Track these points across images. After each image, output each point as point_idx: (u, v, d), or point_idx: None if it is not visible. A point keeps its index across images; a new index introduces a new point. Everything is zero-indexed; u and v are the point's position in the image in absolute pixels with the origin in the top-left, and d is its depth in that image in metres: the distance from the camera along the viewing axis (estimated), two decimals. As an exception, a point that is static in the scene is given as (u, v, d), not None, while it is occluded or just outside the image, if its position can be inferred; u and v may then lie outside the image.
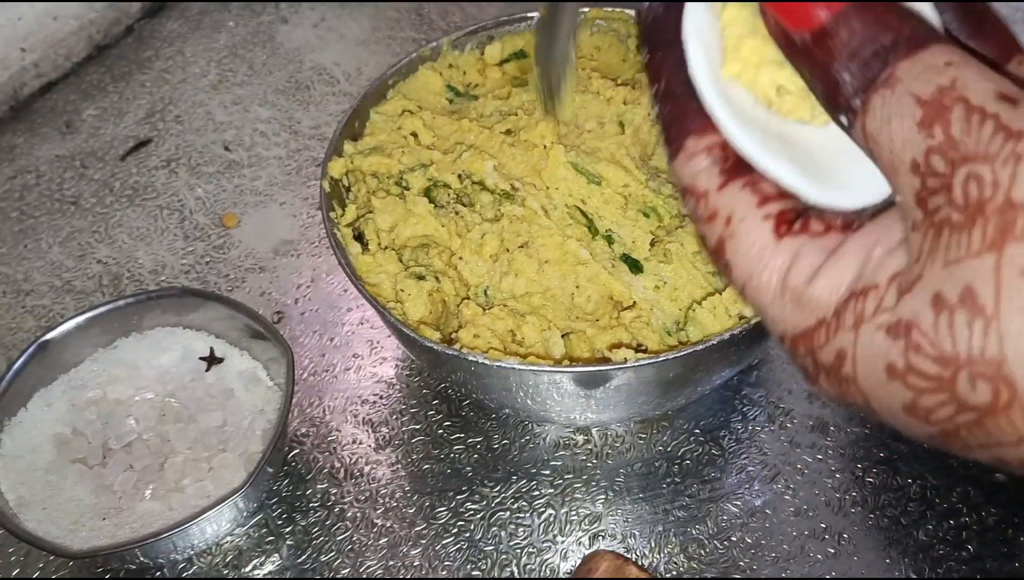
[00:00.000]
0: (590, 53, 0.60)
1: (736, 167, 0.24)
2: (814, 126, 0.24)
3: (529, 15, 0.59)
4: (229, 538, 0.50)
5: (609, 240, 0.51)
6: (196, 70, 0.77)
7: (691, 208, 0.24)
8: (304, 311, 0.60)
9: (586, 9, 0.59)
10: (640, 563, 0.48)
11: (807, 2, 0.22)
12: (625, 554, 0.48)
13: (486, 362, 0.43)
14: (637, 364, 0.42)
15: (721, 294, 0.46)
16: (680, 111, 0.24)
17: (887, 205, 0.23)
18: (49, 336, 0.51)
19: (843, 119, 0.22)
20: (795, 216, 0.23)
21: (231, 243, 0.64)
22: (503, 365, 0.43)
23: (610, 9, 0.59)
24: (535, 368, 0.43)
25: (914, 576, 0.46)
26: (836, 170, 0.24)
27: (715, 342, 0.43)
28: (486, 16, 0.78)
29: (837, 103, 0.22)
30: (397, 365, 0.57)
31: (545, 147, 0.52)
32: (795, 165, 0.23)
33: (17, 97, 0.74)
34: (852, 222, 0.23)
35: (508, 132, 0.54)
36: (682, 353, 0.42)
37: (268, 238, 0.64)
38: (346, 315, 0.60)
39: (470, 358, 0.43)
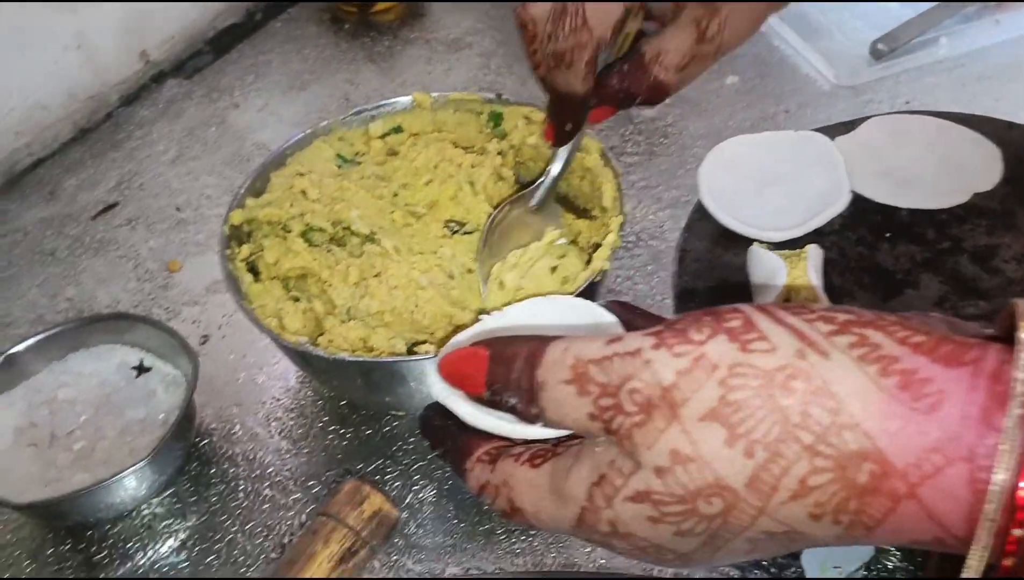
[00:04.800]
0: (453, 128, 0.75)
1: (496, 456, 0.35)
2: None
3: (403, 98, 0.75)
4: (146, 506, 0.64)
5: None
6: (160, 148, 0.94)
7: (487, 500, 0.35)
8: (225, 335, 0.75)
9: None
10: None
11: (471, 375, 0.34)
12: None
13: (313, 352, 0.57)
14: (423, 358, 0.56)
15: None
16: (453, 455, 0.37)
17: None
18: (13, 350, 0.66)
19: (539, 424, 0.33)
20: (543, 451, 0.34)
21: (173, 284, 0.80)
22: (321, 354, 0.57)
23: (469, 95, 0.75)
24: (348, 358, 0.57)
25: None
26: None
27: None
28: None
29: (528, 419, 0.33)
30: (294, 377, 0.71)
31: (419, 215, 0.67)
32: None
33: (11, 172, 0.91)
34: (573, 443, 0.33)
35: (395, 194, 0.69)
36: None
37: (203, 279, 0.79)
38: (257, 338, 0.74)
39: (300, 349, 0.57)
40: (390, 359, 0.57)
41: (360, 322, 0.63)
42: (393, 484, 0.64)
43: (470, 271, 0.66)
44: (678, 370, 0.29)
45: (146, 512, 0.64)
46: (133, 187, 0.89)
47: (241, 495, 0.64)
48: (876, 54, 0.92)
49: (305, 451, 0.66)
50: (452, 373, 0.36)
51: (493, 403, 0.34)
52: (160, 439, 0.61)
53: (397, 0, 1.07)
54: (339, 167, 0.73)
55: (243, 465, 0.66)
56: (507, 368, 0.33)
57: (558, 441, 0.34)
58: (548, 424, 0.33)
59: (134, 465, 0.59)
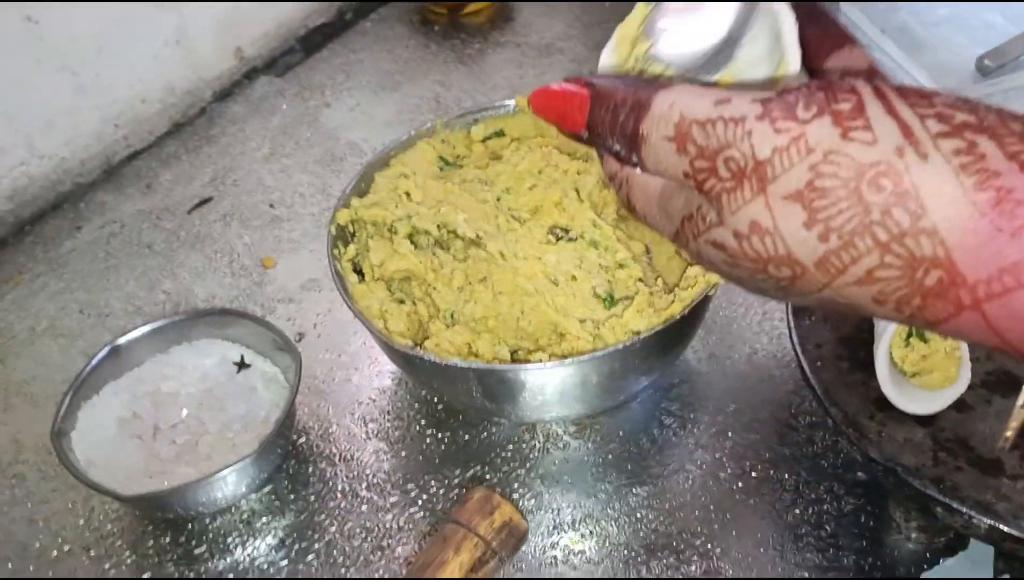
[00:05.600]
0: (556, 133, 0.74)
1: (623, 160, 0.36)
2: None
3: (506, 102, 0.74)
4: (245, 501, 0.64)
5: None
6: (253, 144, 0.94)
7: (615, 186, 0.37)
8: (320, 334, 0.75)
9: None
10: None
11: (570, 112, 0.34)
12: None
13: (424, 356, 0.57)
14: (537, 367, 0.55)
15: (620, 317, 0.60)
16: (602, 154, 0.37)
17: None
18: (119, 341, 0.67)
19: (636, 168, 0.34)
20: None
21: (268, 280, 0.80)
22: (432, 359, 0.57)
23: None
24: (461, 364, 0.56)
25: (777, 548, 0.58)
26: None
27: (609, 350, 0.56)
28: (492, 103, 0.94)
29: (626, 161, 0.34)
30: (390, 377, 0.71)
31: (523, 220, 0.66)
32: None
33: (109, 163, 0.92)
34: None
35: (498, 199, 0.68)
36: (577, 359, 0.55)
37: (297, 277, 0.80)
38: (353, 337, 0.74)
39: (410, 353, 0.57)
40: (506, 366, 0.57)
41: (465, 327, 0.63)
42: (492, 491, 0.63)
43: (574, 278, 0.65)
44: (775, 146, 0.29)
45: (245, 508, 0.64)
46: (227, 183, 0.90)
47: (339, 495, 0.64)
48: (983, 70, 0.89)
49: (402, 453, 0.66)
50: (547, 108, 0.36)
51: (592, 143, 0.35)
52: (265, 436, 0.61)
53: (490, 0, 1.07)
54: (441, 169, 0.73)
55: (340, 465, 0.66)
56: (612, 114, 0.33)
57: None
58: (645, 172, 0.34)
59: (240, 461, 0.59)
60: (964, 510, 0.49)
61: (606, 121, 0.34)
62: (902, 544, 0.57)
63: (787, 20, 0.34)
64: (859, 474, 0.61)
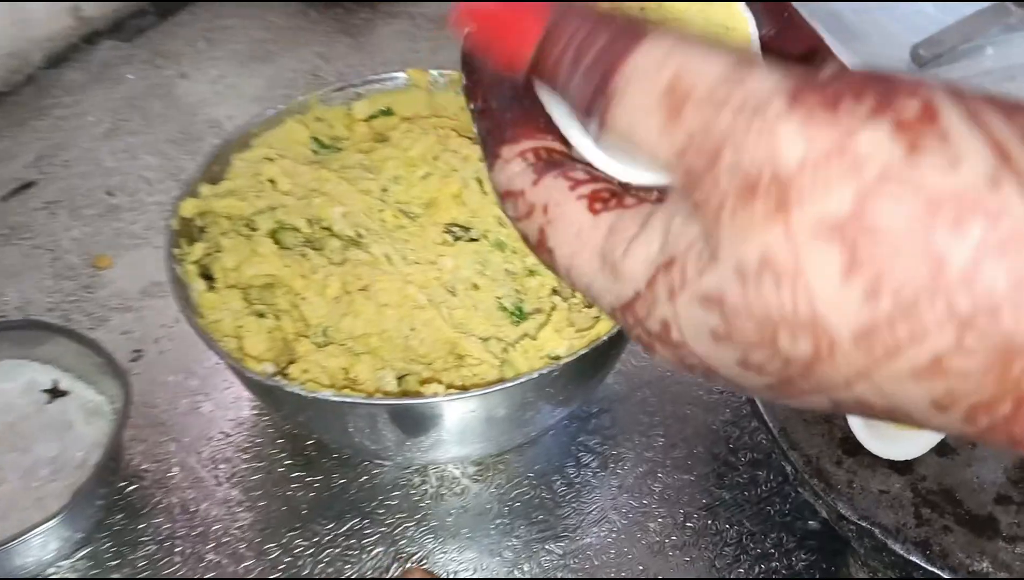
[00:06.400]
0: (454, 113, 0.63)
1: (548, 165, 0.24)
2: None
3: (395, 75, 0.62)
4: (53, 570, 0.50)
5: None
6: (91, 119, 0.79)
7: (511, 210, 0.25)
8: (163, 351, 0.61)
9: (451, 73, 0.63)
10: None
11: (512, 36, 0.23)
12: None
13: (286, 387, 0.44)
14: (432, 401, 0.44)
15: (534, 338, 0.49)
16: (495, 124, 0.25)
17: None
18: None
19: (593, 129, 0.22)
20: (610, 194, 0.23)
21: (100, 283, 0.66)
22: (296, 391, 0.45)
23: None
24: (333, 398, 0.44)
25: (721, 618, 0.48)
26: None
27: (523, 380, 0.45)
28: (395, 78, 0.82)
29: (581, 119, 0.22)
30: (249, 406, 0.58)
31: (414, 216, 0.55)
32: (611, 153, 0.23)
33: (-94, 136, 0.75)
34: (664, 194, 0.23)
35: (385, 190, 0.57)
36: (483, 392, 0.44)
37: (138, 280, 0.66)
38: (204, 356, 0.61)
39: (269, 383, 0.44)
40: (392, 401, 0.45)
41: (340, 347, 0.50)
42: (372, 551, 0.51)
43: (476, 287, 0.54)
44: (807, 157, 0.19)
45: (53, 578, 0.50)
46: (56, 164, 0.75)
47: (177, 560, 0.51)
48: (917, 60, 0.83)
49: (261, 503, 0.53)
50: (481, 24, 0.23)
51: (527, 91, 0.24)
52: (77, 487, 0.47)
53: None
54: (315, 153, 0.61)
55: (181, 520, 0.53)
56: (575, 50, 0.22)
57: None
58: (601, 143, 0.23)
59: (43, 523, 0.46)
60: (958, 583, 0.40)
61: (564, 60, 0.22)
62: (864, 609, 0.48)
63: None
64: (811, 523, 0.51)
